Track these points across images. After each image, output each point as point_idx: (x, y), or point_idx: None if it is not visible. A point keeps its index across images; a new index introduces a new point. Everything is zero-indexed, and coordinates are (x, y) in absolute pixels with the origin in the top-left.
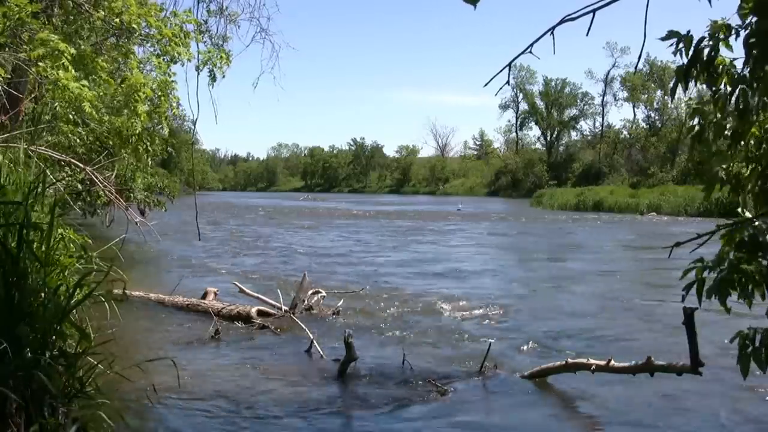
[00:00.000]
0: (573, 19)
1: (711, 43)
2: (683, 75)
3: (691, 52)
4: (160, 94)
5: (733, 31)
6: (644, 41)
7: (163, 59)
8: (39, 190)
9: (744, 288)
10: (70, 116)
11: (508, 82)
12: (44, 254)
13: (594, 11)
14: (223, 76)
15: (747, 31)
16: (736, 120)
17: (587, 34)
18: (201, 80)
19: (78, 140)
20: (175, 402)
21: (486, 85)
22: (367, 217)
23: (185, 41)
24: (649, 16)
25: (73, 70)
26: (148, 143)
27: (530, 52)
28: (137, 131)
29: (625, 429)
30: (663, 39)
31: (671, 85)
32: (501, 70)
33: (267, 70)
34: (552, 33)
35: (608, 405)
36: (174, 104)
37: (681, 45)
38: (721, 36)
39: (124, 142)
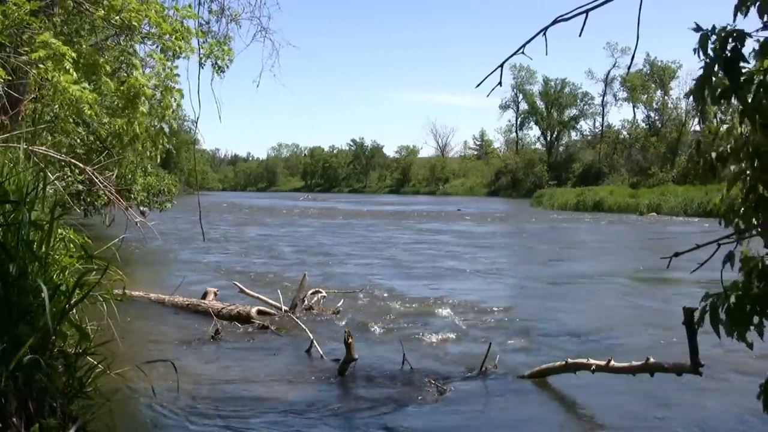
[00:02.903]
0: (566, 20)
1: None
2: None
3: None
4: (162, 90)
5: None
6: (637, 42)
7: (165, 55)
8: (39, 190)
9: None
10: (71, 118)
11: (500, 84)
12: (44, 254)
13: (587, 12)
14: (227, 67)
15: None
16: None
17: (580, 35)
18: (203, 79)
19: (78, 140)
20: (174, 402)
21: (478, 86)
22: (368, 217)
23: (186, 36)
24: (648, 17)
25: (74, 73)
26: (150, 143)
27: (522, 52)
28: (137, 132)
29: (624, 429)
30: (695, 30)
31: (693, 85)
32: (493, 71)
33: (267, 68)
34: (544, 34)
35: (608, 405)
36: (177, 98)
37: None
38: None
39: (124, 145)
